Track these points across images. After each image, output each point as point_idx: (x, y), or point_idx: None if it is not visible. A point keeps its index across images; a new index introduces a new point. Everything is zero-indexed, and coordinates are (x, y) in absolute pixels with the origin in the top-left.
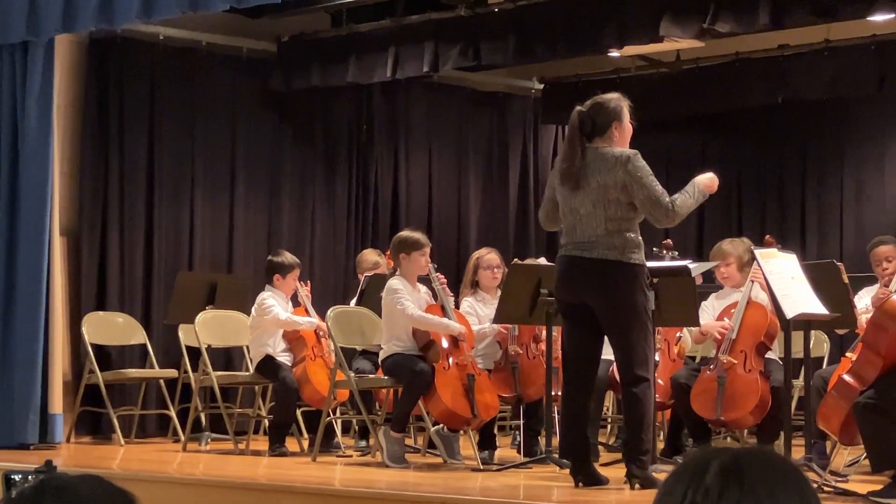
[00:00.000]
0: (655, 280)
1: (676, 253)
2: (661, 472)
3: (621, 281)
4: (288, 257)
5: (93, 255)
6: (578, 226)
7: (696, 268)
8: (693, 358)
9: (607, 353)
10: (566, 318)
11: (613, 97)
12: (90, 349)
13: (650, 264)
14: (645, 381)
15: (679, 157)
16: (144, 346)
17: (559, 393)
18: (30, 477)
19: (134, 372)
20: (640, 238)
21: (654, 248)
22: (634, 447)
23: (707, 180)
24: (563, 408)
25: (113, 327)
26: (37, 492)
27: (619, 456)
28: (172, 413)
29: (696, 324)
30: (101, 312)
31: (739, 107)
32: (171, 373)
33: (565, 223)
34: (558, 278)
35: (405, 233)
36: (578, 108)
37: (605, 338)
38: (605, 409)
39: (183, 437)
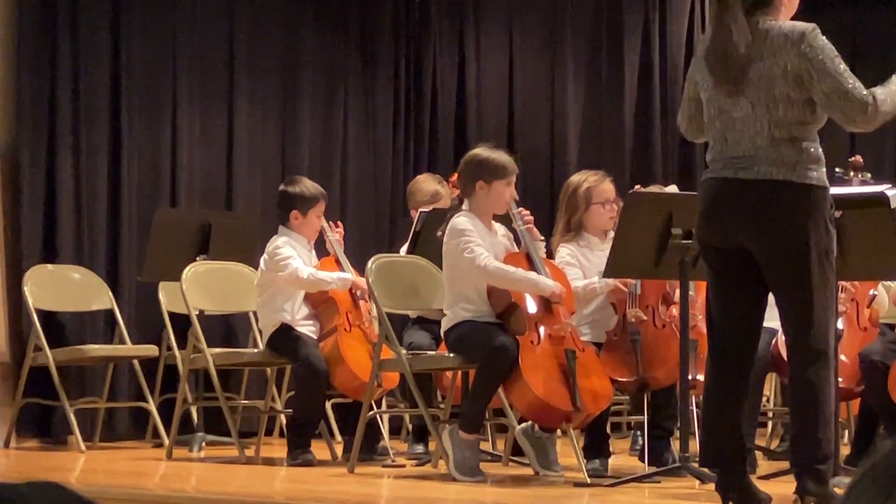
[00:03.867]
0: (839, 213)
1: (869, 175)
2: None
3: (794, 210)
4: (309, 187)
5: (37, 186)
6: (731, 134)
7: None
8: (891, 326)
9: (768, 319)
10: (713, 270)
11: None
12: (35, 317)
13: (832, 190)
14: (823, 357)
15: (870, 40)
16: (111, 312)
17: (700, 377)
18: None
19: (97, 349)
20: (819, 151)
21: (837, 169)
22: (808, 452)
23: None
24: (706, 398)
25: (67, 287)
26: None
27: (785, 465)
28: (152, 406)
29: None
30: (49, 266)
31: None
32: (150, 350)
33: (712, 131)
34: (702, 211)
35: (486, 152)
36: None
37: (769, 297)
38: (764, 398)
39: (167, 441)
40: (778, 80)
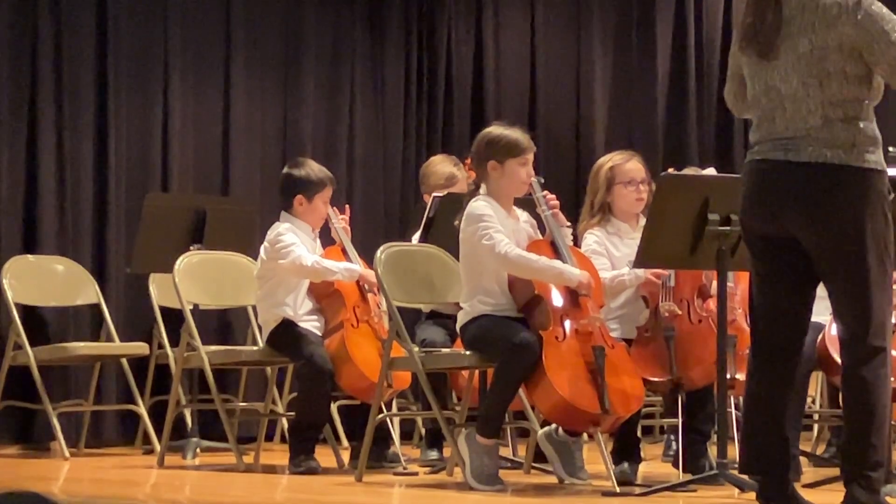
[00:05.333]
0: (892, 196)
1: None
2: None
3: (849, 195)
4: (316, 170)
5: (16, 169)
6: (779, 113)
7: None
8: None
9: (814, 313)
10: (757, 259)
11: None
12: (15, 312)
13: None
14: (881, 354)
15: None
16: (97, 307)
17: (739, 376)
18: None
19: (83, 347)
20: (876, 130)
21: (891, 148)
22: (859, 458)
23: None
24: (747, 399)
25: (49, 279)
26: None
27: (833, 472)
28: (142, 409)
29: None
30: (30, 257)
31: None
32: (140, 348)
33: (757, 110)
34: (746, 196)
35: (497, 129)
36: None
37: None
38: (809, 399)
39: (159, 447)
40: (832, 54)
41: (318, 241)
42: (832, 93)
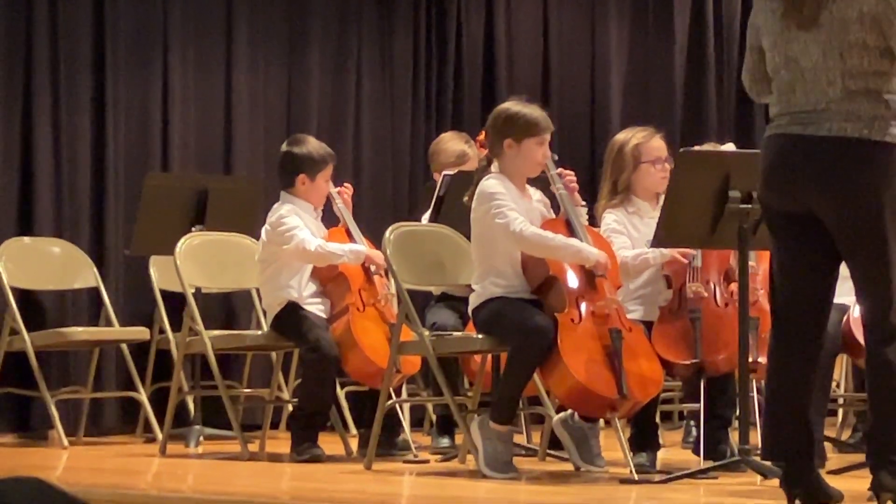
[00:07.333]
0: None
1: None
2: None
3: (870, 171)
4: (316, 147)
5: (11, 148)
6: (799, 86)
7: None
8: None
9: (838, 294)
10: (777, 237)
11: None
12: (11, 297)
13: None
14: None
15: None
16: (96, 291)
17: (762, 359)
18: None
19: (81, 332)
20: None
21: None
22: (885, 443)
23: None
24: (769, 383)
25: (46, 263)
26: None
27: (859, 458)
28: (143, 397)
29: None
30: (26, 239)
31: None
32: (140, 333)
33: (777, 82)
34: (765, 171)
35: (516, 106)
36: None
37: (840, 268)
38: (834, 383)
39: (160, 435)
40: (852, 25)
41: (320, 222)
42: (853, 64)
